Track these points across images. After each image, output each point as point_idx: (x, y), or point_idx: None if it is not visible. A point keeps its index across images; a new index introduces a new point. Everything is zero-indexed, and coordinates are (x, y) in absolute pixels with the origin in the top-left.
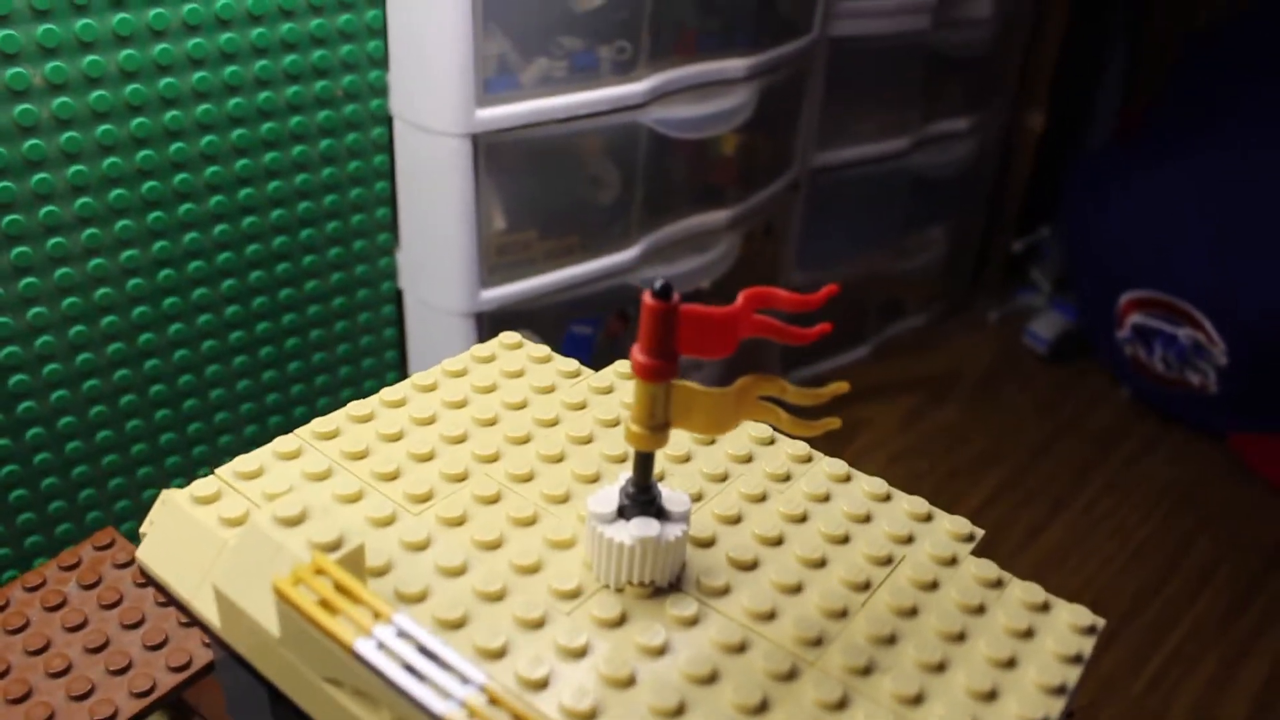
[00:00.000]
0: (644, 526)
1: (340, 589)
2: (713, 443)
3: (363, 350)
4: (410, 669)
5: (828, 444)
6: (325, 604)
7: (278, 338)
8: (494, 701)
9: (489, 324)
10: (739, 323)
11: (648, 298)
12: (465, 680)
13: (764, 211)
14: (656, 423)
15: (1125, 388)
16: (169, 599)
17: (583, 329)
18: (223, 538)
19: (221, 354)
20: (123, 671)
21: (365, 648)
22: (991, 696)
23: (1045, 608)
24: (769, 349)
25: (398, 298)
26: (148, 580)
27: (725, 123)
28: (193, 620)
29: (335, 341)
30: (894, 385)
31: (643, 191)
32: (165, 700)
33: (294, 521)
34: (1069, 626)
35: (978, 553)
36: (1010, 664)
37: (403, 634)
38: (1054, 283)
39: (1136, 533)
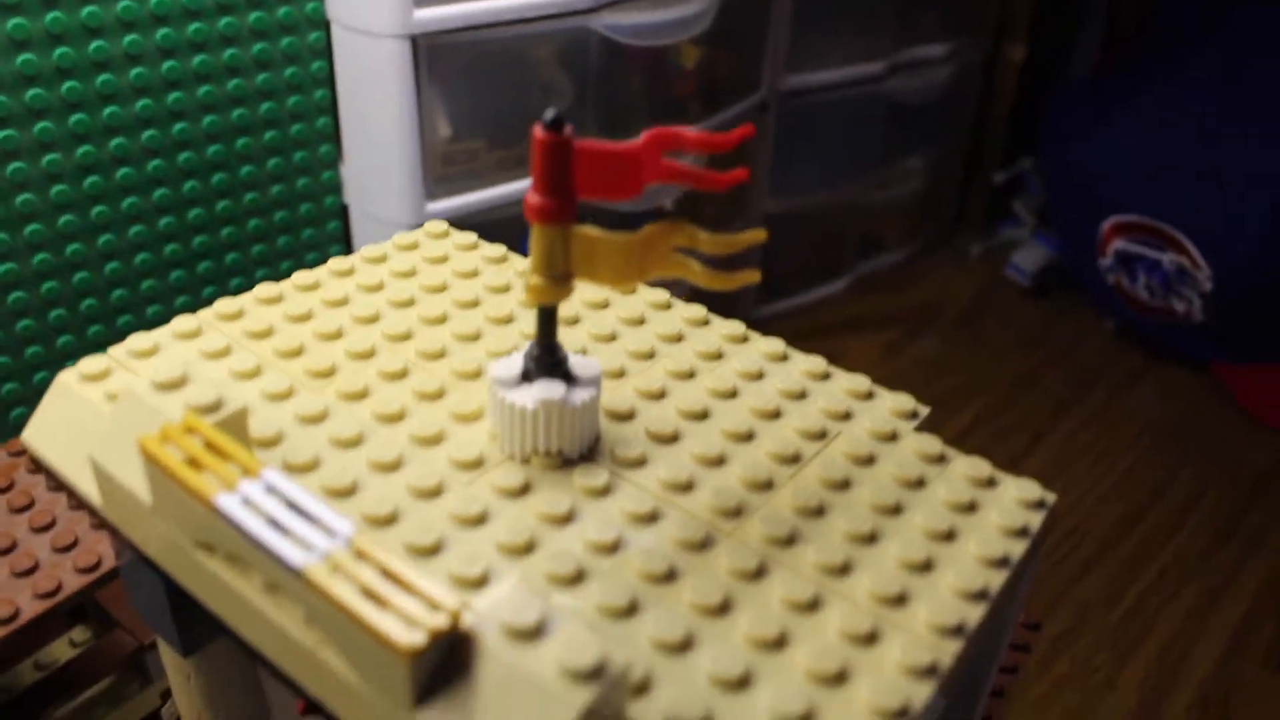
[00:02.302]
0: (548, 389)
1: (210, 447)
2: (641, 323)
3: (308, 267)
4: (275, 523)
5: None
6: (192, 461)
7: (217, 252)
8: (361, 556)
9: None
10: (642, 162)
11: (538, 130)
12: (332, 534)
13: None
14: (556, 271)
15: (1109, 320)
16: (55, 481)
17: None
18: (106, 413)
19: (157, 268)
20: (28, 573)
21: (228, 503)
22: (926, 568)
23: (991, 483)
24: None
25: (343, 212)
26: (35, 464)
27: (680, 31)
28: (81, 503)
29: (278, 258)
30: (872, 319)
31: (596, 102)
32: (73, 601)
33: (173, 385)
34: (1016, 500)
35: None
36: (949, 536)
37: (271, 489)
38: (1036, 215)
39: (1119, 464)
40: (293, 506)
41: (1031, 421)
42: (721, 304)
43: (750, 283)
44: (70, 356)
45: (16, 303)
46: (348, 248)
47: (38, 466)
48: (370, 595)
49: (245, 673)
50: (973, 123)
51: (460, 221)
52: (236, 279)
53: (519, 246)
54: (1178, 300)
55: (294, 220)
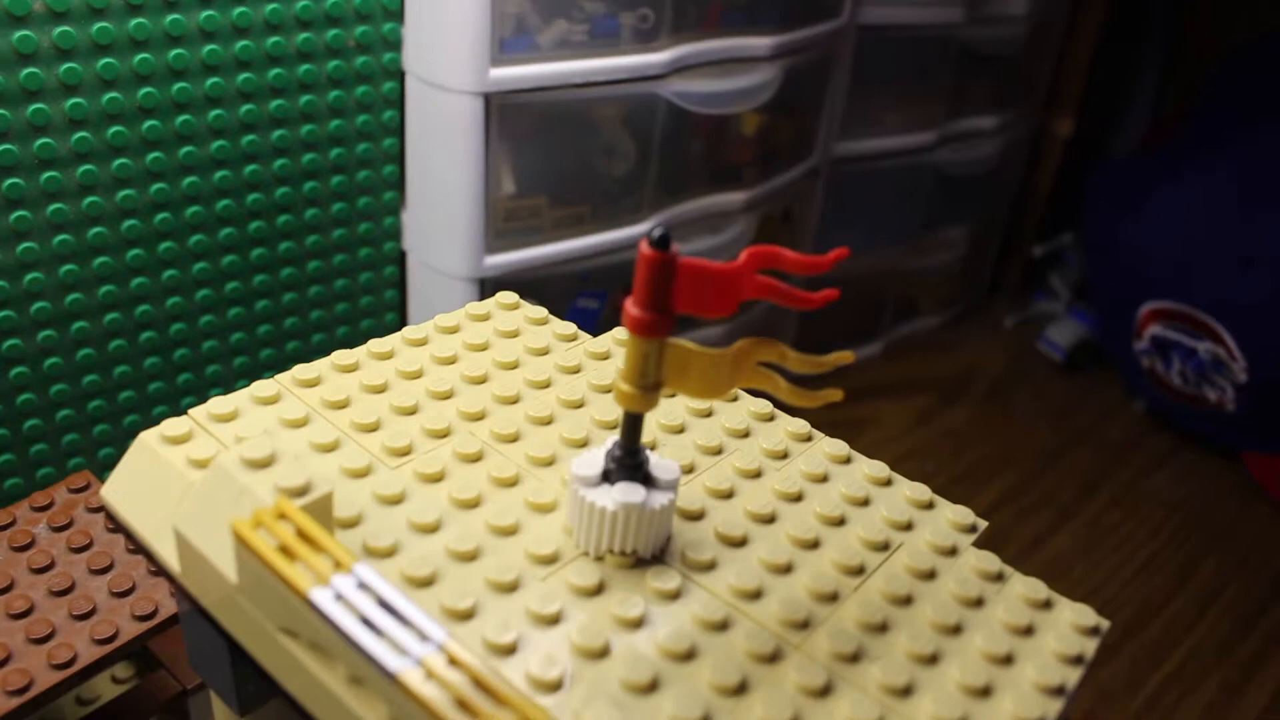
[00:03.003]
0: (629, 492)
1: (302, 535)
2: (709, 415)
3: (362, 311)
4: (367, 622)
5: (833, 438)
6: (285, 550)
7: (275, 292)
8: (453, 662)
9: (493, 291)
10: (741, 281)
11: (644, 246)
12: (425, 638)
13: (782, 196)
14: (648, 382)
15: (1140, 401)
16: (131, 540)
17: (589, 302)
18: (189, 479)
19: (216, 304)
20: (85, 617)
21: (321, 597)
22: (985, 693)
23: (1047, 605)
24: (780, 341)
25: (401, 259)
26: (113, 521)
27: (746, 101)
28: (158, 567)
29: (334, 300)
30: (904, 385)
31: (658, 165)
32: (127, 649)
33: (262, 464)
34: (1071, 626)
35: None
36: (1007, 660)
37: (363, 586)
38: (1073, 290)
39: (1143, 548)
40: (384, 605)
41: (1057, 499)
42: None
43: (833, 400)
44: (129, 386)
45: (86, 359)
46: (402, 294)
47: (100, 508)
48: (462, 704)
49: None
50: (1016, 195)
51: (516, 275)
52: (292, 318)
53: (572, 301)
54: (1211, 389)
55: (353, 264)
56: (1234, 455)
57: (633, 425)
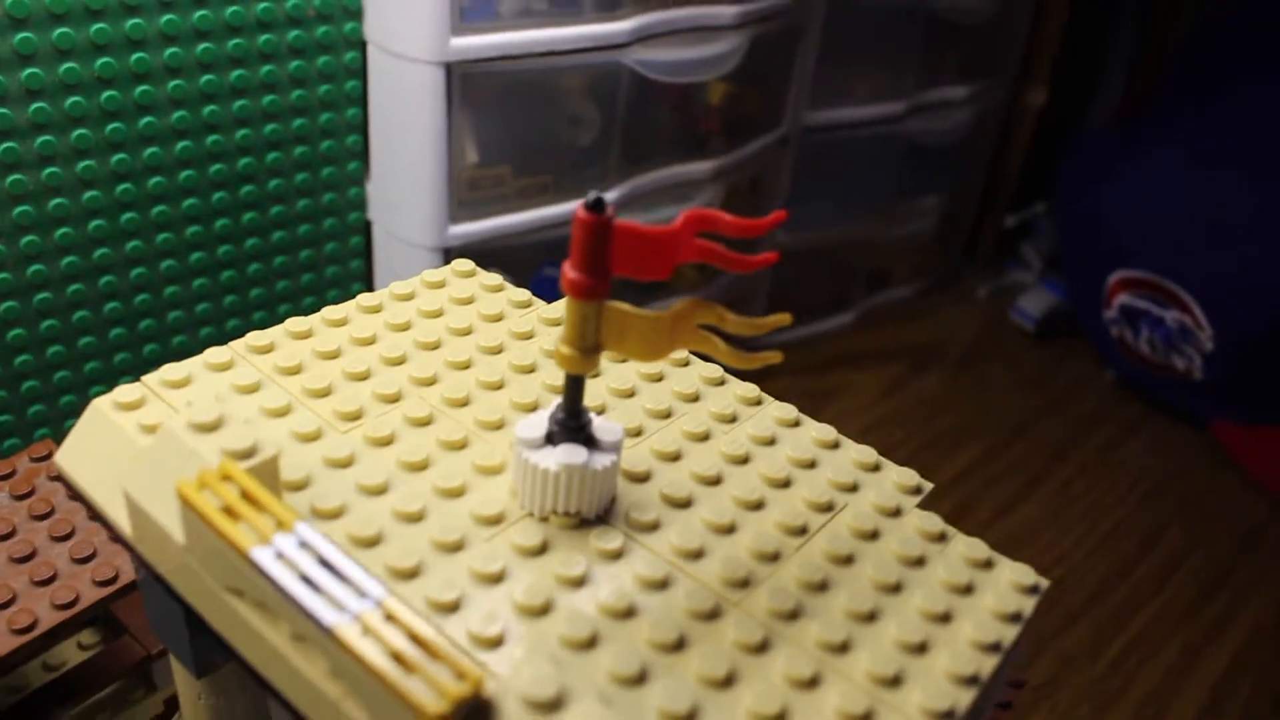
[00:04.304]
0: (571, 453)
1: (246, 496)
2: (659, 379)
3: (328, 281)
4: (307, 580)
5: (802, 410)
6: (228, 510)
7: (240, 262)
8: (390, 618)
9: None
10: (678, 244)
11: (580, 210)
12: (363, 595)
13: (750, 166)
14: (587, 344)
15: (1110, 370)
16: (84, 505)
17: (553, 271)
18: (140, 444)
19: (180, 275)
20: (46, 583)
21: (262, 556)
22: (921, 649)
23: (988, 564)
24: (751, 311)
25: (366, 229)
26: (66, 486)
27: (711, 69)
28: (113, 532)
29: (300, 270)
30: (876, 354)
31: (622, 135)
32: (89, 614)
33: (209, 428)
34: (1011, 584)
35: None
36: (945, 618)
37: (304, 544)
38: (1045, 260)
39: (1110, 515)
40: (324, 563)
41: (1027, 467)
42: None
43: (771, 362)
44: (94, 357)
45: (49, 330)
46: (368, 264)
47: (60, 476)
48: (398, 659)
49: (255, 697)
50: (988, 165)
51: (481, 245)
52: (258, 289)
53: (537, 271)
54: (1179, 358)
55: (318, 234)
56: (1202, 424)
57: (574, 387)
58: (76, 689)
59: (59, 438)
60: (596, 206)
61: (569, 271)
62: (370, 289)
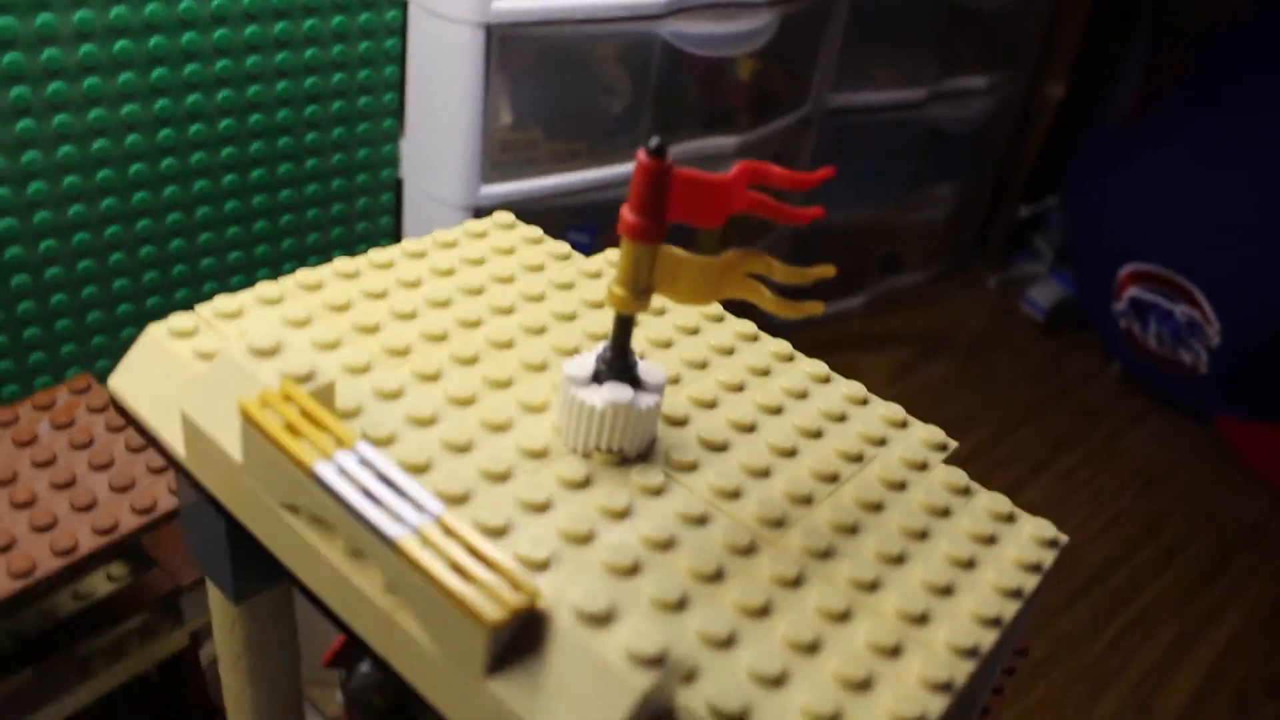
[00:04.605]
0: (617, 391)
1: (307, 416)
2: (695, 332)
3: (358, 235)
4: (368, 494)
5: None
6: (290, 428)
7: (273, 213)
8: (448, 532)
9: None
10: (731, 193)
11: (642, 155)
12: (422, 510)
13: (774, 143)
14: (640, 286)
15: (1116, 363)
16: (136, 429)
17: (580, 236)
18: (195, 370)
19: (215, 222)
20: (87, 509)
21: (325, 470)
22: (948, 591)
23: (1010, 518)
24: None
25: (398, 186)
26: (118, 411)
27: (743, 44)
28: (164, 459)
29: (331, 224)
30: (886, 338)
31: (653, 105)
32: (126, 541)
33: (267, 353)
34: (1031, 538)
35: None
36: (969, 564)
37: (364, 462)
38: (1056, 252)
39: (1112, 504)
40: (384, 479)
41: (1031, 454)
42: (743, 310)
43: (814, 314)
44: (127, 299)
45: (86, 270)
46: (398, 220)
47: (103, 408)
48: (457, 569)
49: (286, 624)
50: (1004, 155)
51: (510, 206)
52: (289, 240)
53: (563, 235)
54: (1186, 352)
55: (350, 189)
56: (1206, 418)
57: (623, 328)
58: (105, 619)
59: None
60: (658, 152)
61: (627, 215)
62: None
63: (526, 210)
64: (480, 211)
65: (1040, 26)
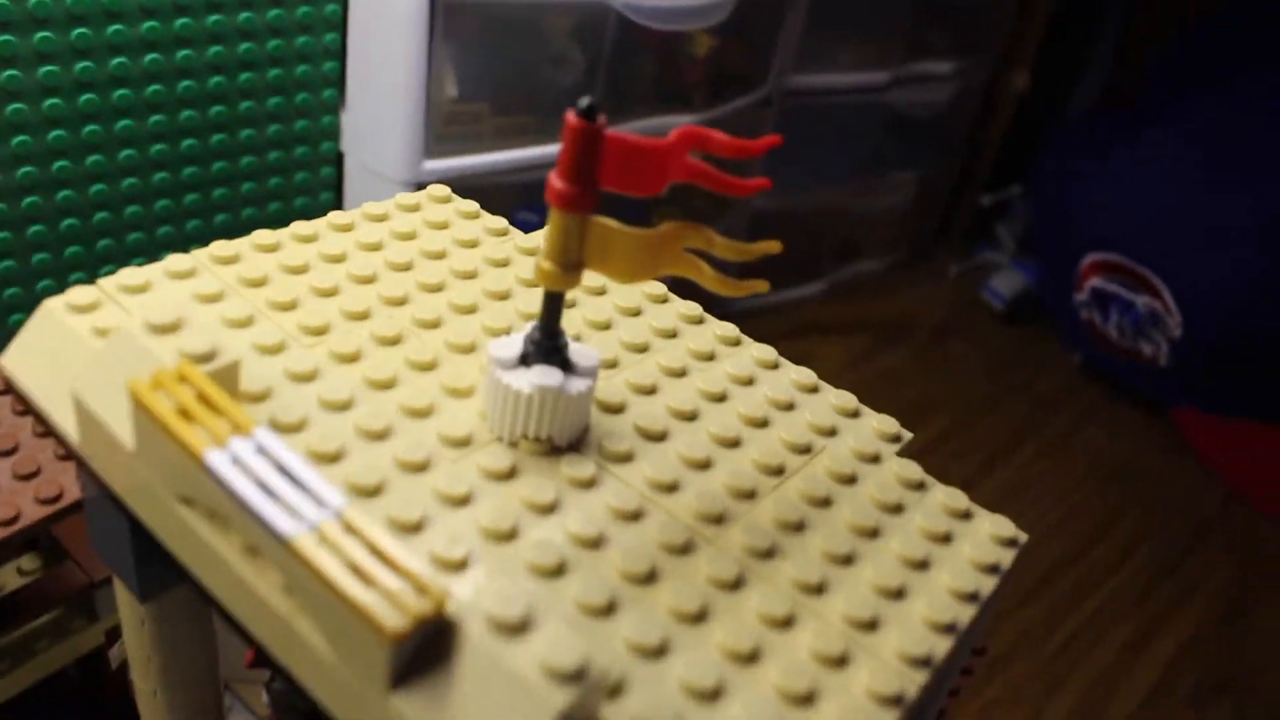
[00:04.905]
0: (546, 375)
1: (203, 399)
2: (637, 314)
3: (296, 211)
4: (263, 486)
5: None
6: (183, 412)
7: (205, 186)
8: (350, 529)
9: None
10: (670, 160)
11: (571, 116)
12: (322, 505)
13: (731, 124)
14: (569, 259)
15: (1076, 354)
16: (36, 417)
17: (529, 215)
18: (92, 347)
19: (142, 194)
20: None
21: (217, 459)
22: (899, 594)
23: (967, 515)
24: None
25: (339, 160)
26: (20, 403)
27: (698, 19)
28: (59, 439)
29: (267, 198)
30: (844, 326)
31: (605, 80)
32: (30, 533)
33: (167, 329)
34: (989, 536)
35: None
36: (923, 565)
37: (262, 450)
38: (1018, 242)
39: (1068, 498)
40: (283, 470)
41: (988, 446)
42: (695, 295)
43: (759, 291)
44: (48, 275)
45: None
46: (339, 195)
47: (8, 389)
48: (357, 571)
49: (200, 623)
50: (967, 143)
51: (455, 183)
52: (222, 215)
53: (510, 214)
54: (1146, 343)
55: (288, 162)
56: (1162, 410)
57: (553, 306)
58: (15, 614)
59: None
60: (588, 113)
61: (555, 181)
62: None
63: (473, 187)
64: (422, 187)
65: (1007, 14)
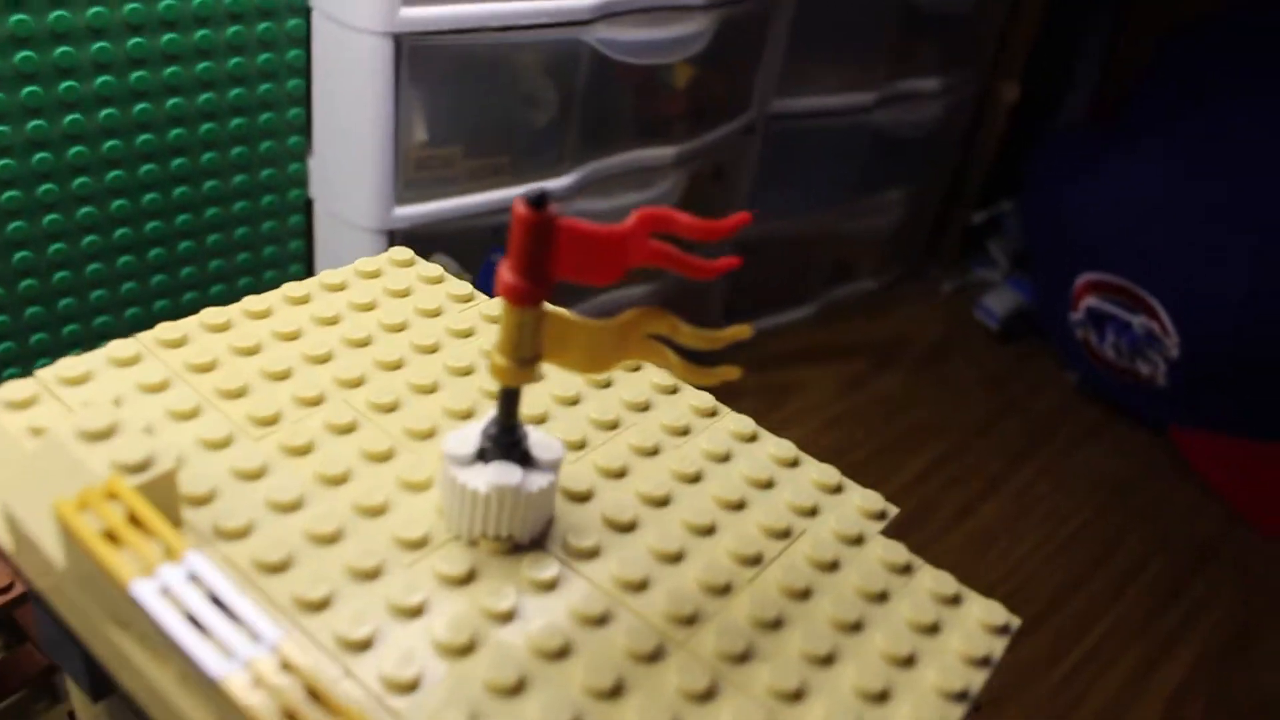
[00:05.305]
0: (503, 473)
1: (133, 519)
2: (607, 385)
3: (265, 261)
4: (193, 620)
5: (759, 406)
6: (110, 534)
7: (169, 240)
8: (286, 666)
9: (403, 244)
10: (629, 245)
11: (518, 205)
12: (256, 638)
13: (714, 153)
14: (524, 354)
15: (1073, 373)
16: None
17: (502, 256)
18: (27, 448)
19: (104, 252)
20: None
21: (144, 590)
22: (882, 698)
23: (955, 600)
24: (710, 300)
25: (308, 207)
26: None
27: (677, 51)
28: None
29: (235, 249)
30: (836, 349)
31: (581, 116)
32: None
33: (100, 436)
34: (980, 624)
35: (895, 531)
36: (908, 662)
37: (194, 577)
38: (1011, 259)
39: (1068, 522)
40: (215, 600)
41: (987, 469)
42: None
43: (729, 379)
44: (3, 339)
45: None
46: (309, 243)
47: None
48: (290, 716)
49: None
50: (957, 160)
51: (427, 228)
52: (189, 268)
53: (486, 256)
54: (1144, 363)
55: (255, 212)
56: (1163, 430)
57: (509, 401)
58: None
59: None
60: (538, 202)
61: (505, 274)
62: (310, 271)
63: (445, 232)
64: (394, 234)
65: (995, 27)
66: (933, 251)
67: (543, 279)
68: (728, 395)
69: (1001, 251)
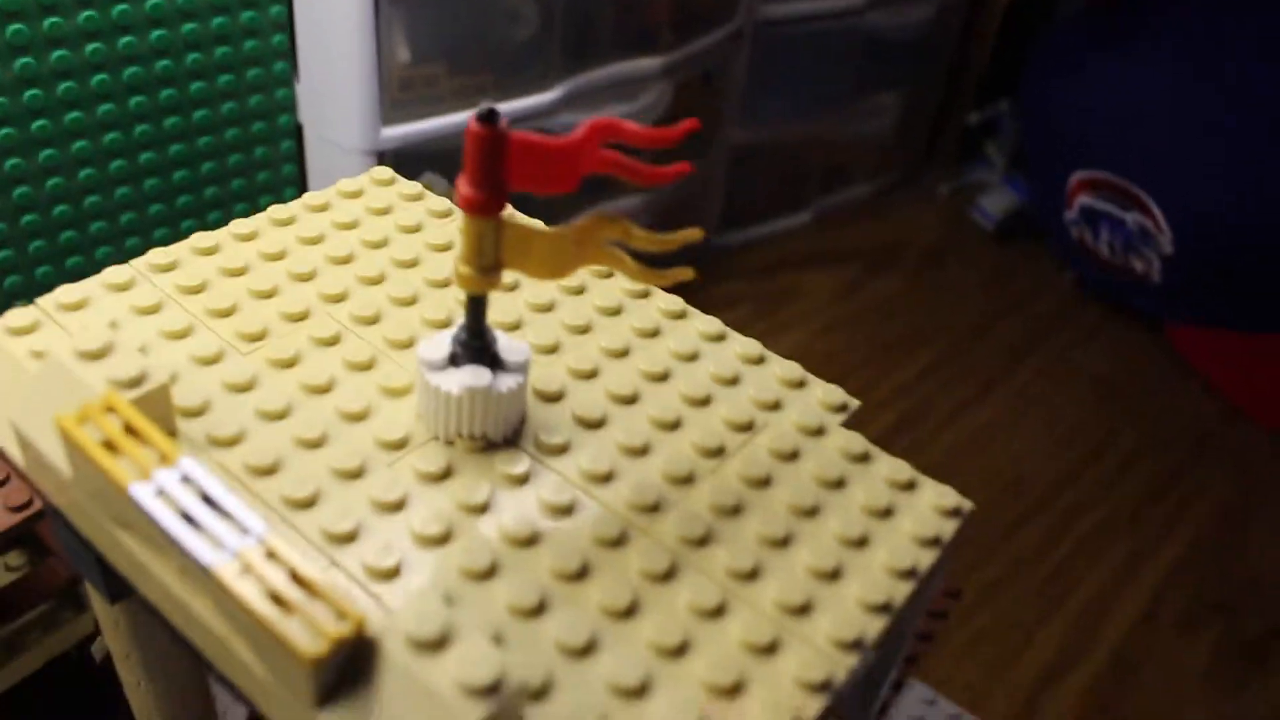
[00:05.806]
0: (474, 375)
1: (129, 429)
2: (580, 292)
3: (260, 186)
4: (187, 517)
5: (758, 312)
6: (109, 444)
7: (164, 169)
8: (271, 555)
9: (393, 164)
10: (580, 155)
11: (471, 123)
12: (245, 532)
13: (703, 61)
14: (486, 263)
15: (1069, 272)
16: None
17: None
18: (31, 371)
19: (101, 184)
20: None
21: (141, 492)
22: (834, 576)
23: (910, 486)
24: (706, 210)
25: (298, 132)
26: None
27: None
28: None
29: (229, 176)
30: (834, 254)
31: (563, 30)
32: (3, 539)
33: (96, 355)
34: (932, 508)
35: (893, 430)
36: (861, 543)
37: (187, 480)
38: (1008, 159)
39: (1064, 418)
40: (206, 499)
41: (984, 369)
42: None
43: (683, 280)
44: (7, 273)
45: None
46: (300, 168)
47: None
48: (276, 599)
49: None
50: (952, 60)
51: (416, 148)
52: (185, 196)
53: None
54: (1138, 260)
55: (246, 139)
56: (1158, 326)
57: (475, 307)
58: (4, 610)
59: None
60: (489, 118)
61: (463, 187)
62: (304, 194)
63: (434, 151)
64: (384, 155)
65: None
66: (929, 154)
67: (498, 190)
68: (726, 302)
69: (998, 152)
